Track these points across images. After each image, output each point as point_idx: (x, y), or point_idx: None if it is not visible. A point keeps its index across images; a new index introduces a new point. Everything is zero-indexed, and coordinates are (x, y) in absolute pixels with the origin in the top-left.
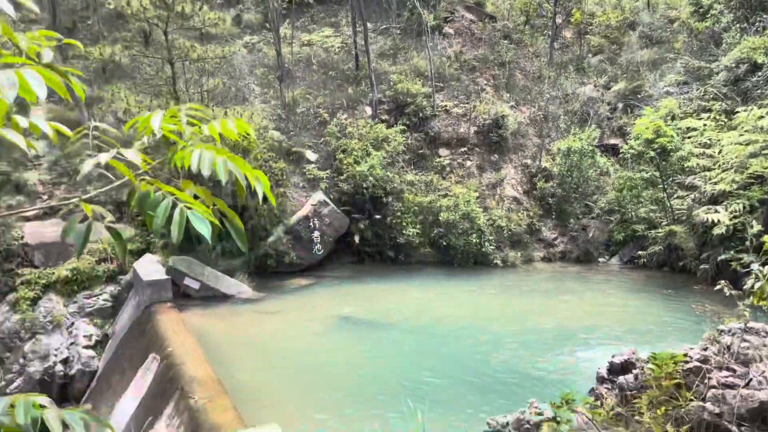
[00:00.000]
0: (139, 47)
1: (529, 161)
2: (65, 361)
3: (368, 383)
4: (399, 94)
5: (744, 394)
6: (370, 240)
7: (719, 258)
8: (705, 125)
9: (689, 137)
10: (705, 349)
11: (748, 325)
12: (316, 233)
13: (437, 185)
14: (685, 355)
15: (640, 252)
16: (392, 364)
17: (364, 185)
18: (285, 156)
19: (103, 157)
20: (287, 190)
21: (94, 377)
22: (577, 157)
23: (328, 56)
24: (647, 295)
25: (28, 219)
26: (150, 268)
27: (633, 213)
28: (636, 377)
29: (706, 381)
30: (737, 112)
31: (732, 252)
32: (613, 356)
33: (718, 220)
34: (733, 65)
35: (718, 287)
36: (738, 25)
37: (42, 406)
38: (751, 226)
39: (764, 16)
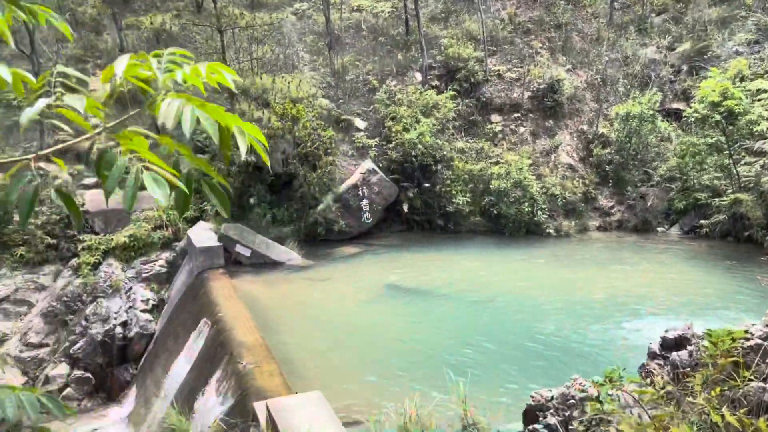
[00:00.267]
0: (189, 16)
1: (585, 127)
2: (124, 324)
3: (412, 352)
4: (450, 59)
5: None
6: (419, 208)
7: None
8: None
9: (759, 100)
10: None
11: None
12: (365, 201)
13: (488, 152)
14: (746, 331)
15: (702, 221)
16: (437, 333)
17: (413, 153)
18: (334, 124)
19: (40, 104)
20: (336, 159)
21: (152, 340)
22: (636, 123)
23: (378, 22)
24: (709, 266)
25: (88, 187)
26: (203, 235)
27: (695, 180)
28: (691, 354)
29: None
30: None
31: None
32: (666, 331)
33: None
34: None
35: None
36: None
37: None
38: None
39: None
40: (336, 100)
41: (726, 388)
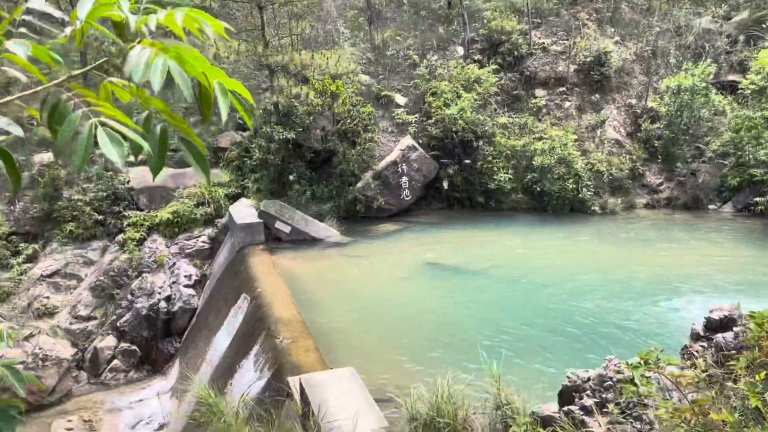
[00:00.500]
0: None
1: (633, 101)
2: (168, 299)
3: (447, 331)
4: (493, 32)
5: None
6: (460, 185)
7: None
8: None
9: None
10: None
11: None
12: (404, 179)
13: (532, 128)
14: None
15: (757, 198)
16: (473, 311)
17: (454, 129)
18: (374, 100)
19: None
20: (375, 135)
21: (194, 315)
22: (688, 96)
23: None
24: (763, 245)
25: (132, 164)
26: (244, 211)
27: (751, 156)
28: (737, 336)
29: None
30: None
31: None
32: (711, 311)
33: None
34: None
35: None
36: None
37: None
38: None
39: None
40: (376, 76)
41: None
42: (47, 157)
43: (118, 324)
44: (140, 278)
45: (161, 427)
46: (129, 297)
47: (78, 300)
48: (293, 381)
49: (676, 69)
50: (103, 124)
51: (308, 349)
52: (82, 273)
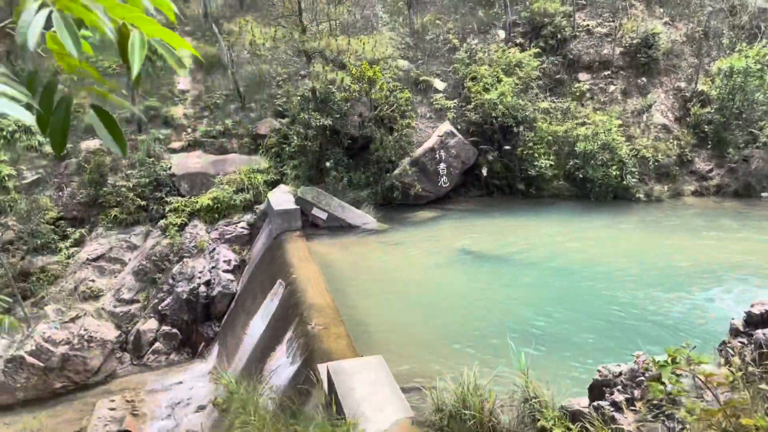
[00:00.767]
0: None
1: (682, 84)
2: (207, 283)
3: (478, 320)
4: (535, 14)
5: None
6: (499, 172)
7: None
8: None
9: None
10: None
11: None
12: (442, 165)
13: (575, 113)
14: None
15: None
16: (506, 301)
17: (494, 114)
18: (412, 86)
19: None
20: (413, 121)
21: (233, 299)
22: (741, 78)
23: None
24: None
25: (174, 151)
26: (282, 198)
27: None
28: None
29: None
30: None
31: None
32: (752, 305)
33: None
34: None
35: None
36: None
37: None
38: None
39: None
40: (415, 61)
41: None
42: (93, 144)
43: (159, 307)
44: (181, 263)
45: (199, 409)
46: (170, 281)
47: (122, 284)
48: (322, 368)
49: (728, 50)
50: None
51: (339, 335)
52: (126, 257)
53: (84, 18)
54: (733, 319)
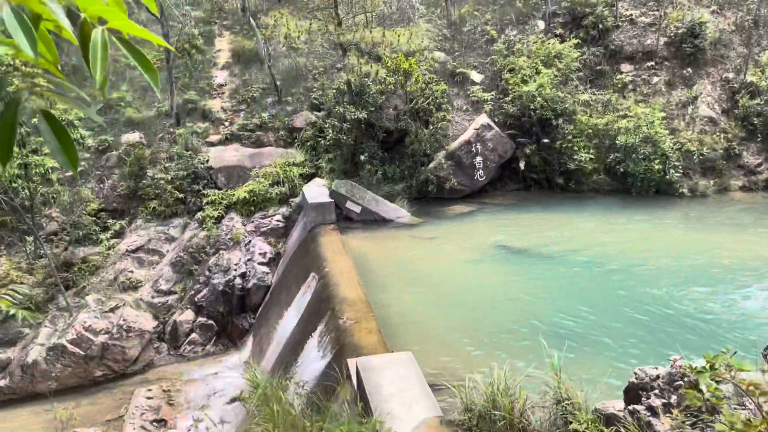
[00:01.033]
0: None
1: (730, 75)
2: (243, 276)
3: (511, 316)
4: (576, 4)
5: None
6: (537, 166)
7: None
8: None
9: None
10: None
11: None
12: (479, 159)
13: (616, 105)
14: None
15: None
16: (540, 298)
17: (532, 107)
18: (449, 78)
19: None
20: (449, 114)
21: (268, 292)
22: None
23: None
24: None
25: (212, 144)
26: (316, 191)
27: None
28: None
29: None
30: None
31: None
32: None
33: None
34: None
35: None
36: None
37: None
38: None
39: None
40: (451, 53)
41: None
42: (133, 137)
43: (196, 299)
44: (217, 255)
45: (233, 400)
46: (206, 273)
47: (160, 275)
48: (351, 363)
49: None
50: None
51: (370, 330)
52: (164, 249)
53: (42, 13)
54: None
